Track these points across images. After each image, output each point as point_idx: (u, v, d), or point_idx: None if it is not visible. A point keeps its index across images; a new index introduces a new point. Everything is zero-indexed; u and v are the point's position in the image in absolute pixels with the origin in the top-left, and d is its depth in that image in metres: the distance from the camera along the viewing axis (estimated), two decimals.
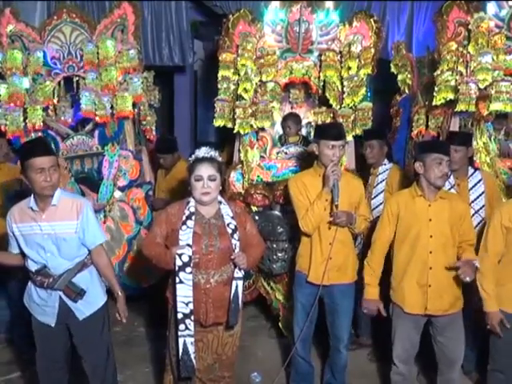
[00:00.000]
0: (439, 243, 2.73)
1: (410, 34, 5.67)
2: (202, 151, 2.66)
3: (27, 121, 3.85)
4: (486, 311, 2.76)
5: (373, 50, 3.64)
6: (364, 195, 3.08)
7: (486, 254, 2.75)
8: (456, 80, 3.43)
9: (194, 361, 2.59)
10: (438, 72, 3.50)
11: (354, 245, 3.11)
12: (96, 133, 4.03)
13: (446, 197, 2.78)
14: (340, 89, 3.70)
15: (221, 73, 3.72)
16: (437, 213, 2.74)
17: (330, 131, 2.91)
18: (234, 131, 3.68)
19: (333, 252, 2.93)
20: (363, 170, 3.85)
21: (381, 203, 3.56)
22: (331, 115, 3.74)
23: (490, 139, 3.50)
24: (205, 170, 2.58)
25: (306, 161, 3.65)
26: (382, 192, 3.65)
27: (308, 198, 2.95)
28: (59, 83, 4.08)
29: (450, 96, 3.45)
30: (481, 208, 3.21)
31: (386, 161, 3.76)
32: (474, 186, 3.26)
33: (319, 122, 3.75)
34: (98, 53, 3.89)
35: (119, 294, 2.72)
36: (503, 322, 2.72)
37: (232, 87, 3.73)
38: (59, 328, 2.64)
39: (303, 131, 4.30)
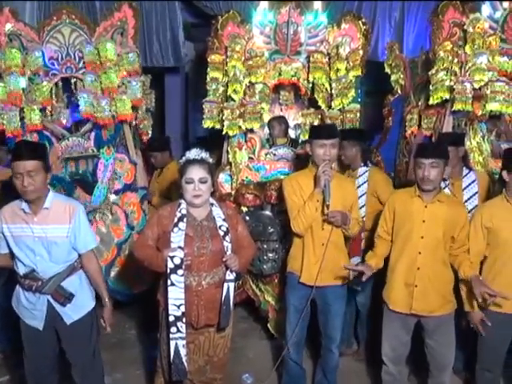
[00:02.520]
0: (429, 245, 2.73)
1: (401, 35, 5.66)
2: (193, 153, 2.64)
3: (25, 121, 3.81)
4: (466, 311, 2.81)
5: (361, 52, 3.67)
6: (357, 198, 3.07)
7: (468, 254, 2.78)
8: (451, 80, 3.43)
9: (185, 364, 2.58)
10: (433, 71, 3.50)
11: (345, 247, 3.10)
12: (92, 135, 4.00)
13: (444, 200, 2.75)
14: (329, 90, 3.71)
15: (210, 74, 3.73)
16: (432, 215, 2.73)
17: (321, 131, 2.95)
18: (223, 133, 3.68)
19: (325, 253, 2.91)
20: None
21: (363, 205, 3.50)
22: (319, 117, 3.75)
23: (484, 139, 3.50)
24: (195, 173, 2.57)
25: (294, 162, 3.67)
26: (363, 194, 3.53)
27: (302, 199, 2.94)
28: (56, 84, 4.04)
29: (447, 95, 3.45)
30: (474, 208, 3.19)
31: (362, 163, 3.64)
32: (467, 186, 3.25)
33: (307, 124, 3.75)
34: (97, 55, 3.86)
35: (107, 300, 2.72)
36: (485, 321, 2.75)
37: (221, 89, 3.73)
38: (47, 331, 2.62)
39: (292, 133, 4.29)
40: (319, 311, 3.06)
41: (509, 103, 3.32)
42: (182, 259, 2.50)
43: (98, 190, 3.93)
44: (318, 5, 3.85)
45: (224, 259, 2.57)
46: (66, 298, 2.55)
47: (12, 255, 2.57)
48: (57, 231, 2.52)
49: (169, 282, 2.51)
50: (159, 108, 6.48)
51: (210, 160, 2.69)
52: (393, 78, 4.15)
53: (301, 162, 3.57)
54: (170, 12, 5.59)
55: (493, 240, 2.77)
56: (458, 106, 3.39)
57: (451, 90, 3.41)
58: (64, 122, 4.14)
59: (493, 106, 3.34)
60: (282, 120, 4.13)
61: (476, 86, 3.34)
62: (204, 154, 2.65)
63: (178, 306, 2.52)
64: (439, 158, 2.66)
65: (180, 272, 2.50)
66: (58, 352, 2.73)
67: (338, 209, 2.86)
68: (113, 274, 3.89)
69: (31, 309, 2.58)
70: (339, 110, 3.68)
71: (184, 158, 2.65)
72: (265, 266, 3.52)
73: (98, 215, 3.89)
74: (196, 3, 5.65)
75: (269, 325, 3.83)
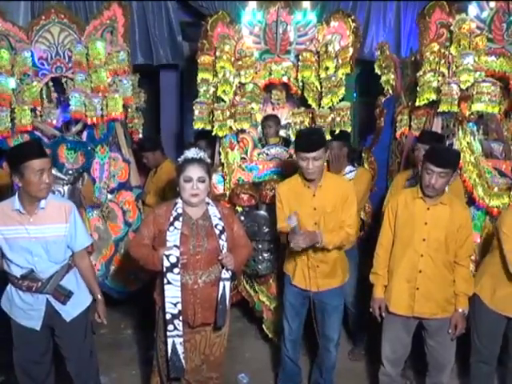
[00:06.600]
0: (431, 248, 2.70)
1: (398, 35, 5.69)
2: (192, 152, 2.65)
3: (16, 122, 3.79)
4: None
5: (351, 50, 3.63)
6: (351, 199, 2.91)
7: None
8: (438, 81, 3.45)
9: (183, 361, 2.60)
10: (421, 73, 3.52)
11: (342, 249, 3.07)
12: (85, 134, 3.97)
13: (447, 203, 2.71)
14: (319, 89, 3.70)
15: (200, 75, 3.73)
16: (434, 217, 2.70)
17: (303, 142, 2.79)
18: (213, 133, 3.68)
19: (318, 260, 2.92)
20: None
21: None
22: (310, 116, 3.72)
23: (474, 139, 3.50)
24: (194, 172, 2.57)
25: (287, 162, 3.66)
26: None
27: (289, 205, 2.93)
28: (46, 84, 4.03)
29: (433, 97, 3.46)
30: None
31: (349, 163, 3.70)
32: None
33: (298, 123, 3.71)
34: (87, 54, 3.86)
35: (99, 297, 2.76)
36: None
37: (211, 90, 3.73)
38: (43, 330, 2.63)
39: (282, 132, 4.30)
40: (316, 309, 3.06)
41: (494, 103, 3.34)
42: (177, 258, 2.51)
43: (98, 190, 3.92)
44: (306, 4, 3.84)
45: (220, 258, 2.58)
46: (66, 296, 2.58)
47: (2, 257, 2.55)
48: (55, 231, 2.53)
49: (165, 281, 2.52)
50: (155, 107, 6.47)
51: (208, 160, 2.71)
52: (383, 78, 4.18)
53: (294, 161, 3.58)
54: (165, 11, 5.62)
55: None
56: (444, 107, 3.40)
57: (438, 91, 3.43)
58: (54, 122, 4.13)
59: (478, 107, 3.36)
60: (276, 119, 4.13)
61: (463, 86, 3.36)
62: (202, 154, 2.66)
63: (175, 304, 2.53)
64: (449, 169, 2.62)
65: (176, 270, 2.51)
66: (52, 349, 2.74)
67: (327, 209, 2.85)
68: (110, 271, 3.90)
69: (28, 309, 2.58)
70: (329, 108, 3.65)
71: (182, 157, 2.65)
72: (260, 267, 3.52)
73: (95, 212, 3.89)
74: (191, 3, 5.65)
75: (263, 325, 3.83)
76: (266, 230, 3.50)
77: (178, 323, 2.54)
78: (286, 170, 3.54)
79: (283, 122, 4.27)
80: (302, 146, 2.77)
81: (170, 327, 2.55)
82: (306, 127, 3.63)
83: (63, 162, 3.76)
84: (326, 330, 3.05)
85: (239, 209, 3.60)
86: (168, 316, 2.54)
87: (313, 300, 3.03)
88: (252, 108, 3.74)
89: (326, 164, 3.61)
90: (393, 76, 4.11)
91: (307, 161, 2.76)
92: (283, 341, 3.18)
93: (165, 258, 2.51)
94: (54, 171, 3.45)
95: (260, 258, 3.50)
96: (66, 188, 3.70)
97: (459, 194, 3.29)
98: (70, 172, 3.74)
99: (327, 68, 3.63)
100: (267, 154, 3.82)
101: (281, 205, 2.97)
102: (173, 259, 2.51)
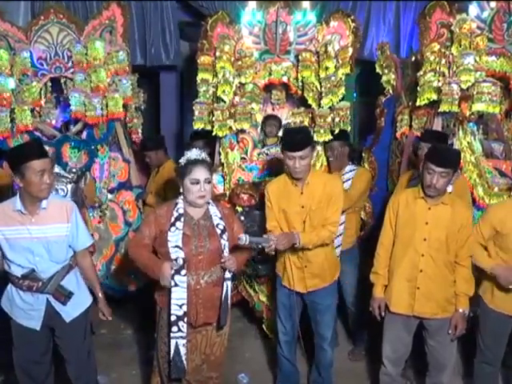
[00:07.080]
0: (432, 248, 2.70)
1: (398, 35, 5.69)
2: (194, 153, 2.62)
3: (16, 122, 3.78)
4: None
5: (351, 50, 3.61)
6: (337, 196, 2.91)
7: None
8: (439, 81, 3.45)
9: (184, 362, 2.59)
10: (421, 73, 3.52)
11: (331, 247, 3.08)
12: (84, 134, 3.97)
13: (449, 203, 2.71)
14: (318, 89, 3.69)
15: (200, 76, 3.71)
16: (435, 217, 2.70)
17: (289, 141, 2.80)
18: (213, 134, 3.67)
19: (305, 260, 2.93)
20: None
21: None
22: (310, 116, 3.71)
23: (474, 139, 3.52)
24: (201, 173, 2.56)
25: (274, 161, 3.67)
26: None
27: (278, 204, 2.94)
28: (45, 84, 4.03)
29: (434, 97, 3.46)
30: None
31: (349, 162, 3.72)
32: None
33: (298, 123, 3.71)
34: (86, 54, 3.85)
35: (100, 295, 2.77)
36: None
37: (211, 90, 3.73)
38: (43, 330, 2.63)
39: (282, 132, 4.30)
40: (309, 309, 3.08)
41: (495, 103, 3.34)
42: (184, 259, 2.50)
43: (98, 190, 3.92)
44: (306, 4, 3.83)
45: (222, 260, 2.58)
46: (67, 296, 2.58)
47: (2, 257, 2.55)
48: (56, 230, 2.54)
49: (172, 283, 2.50)
50: (155, 107, 6.46)
51: (210, 160, 2.70)
52: (384, 78, 4.18)
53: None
54: (165, 11, 5.62)
55: (502, 245, 2.79)
56: (444, 107, 3.39)
57: (439, 90, 3.43)
58: (53, 122, 4.13)
59: (479, 107, 3.36)
60: (278, 119, 4.13)
61: (463, 86, 3.35)
62: (204, 155, 2.64)
63: (180, 306, 2.52)
64: (450, 168, 2.61)
65: (183, 272, 2.51)
66: (52, 349, 2.74)
67: (313, 206, 2.85)
68: (111, 269, 3.90)
69: (28, 309, 2.58)
70: (329, 108, 3.62)
71: (185, 159, 2.61)
72: (260, 267, 3.51)
73: (95, 213, 3.90)
74: (191, 3, 5.64)
75: (263, 325, 3.84)
76: None
77: (183, 325, 2.54)
78: (277, 168, 3.52)
79: (283, 122, 4.28)
80: (289, 145, 2.79)
81: (174, 329, 2.53)
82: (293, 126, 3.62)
83: (67, 161, 3.78)
84: (319, 328, 3.07)
85: (239, 209, 3.59)
86: (173, 318, 2.53)
87: (305, 300, 3.05)
88: (252, 108, 3.74)
89: (323, 163, 3.65)
90: (393, 76, 4.12)
91: (294, 160, 2.77)
92: (278, 341, 3.19)
93: (171, 262, 2.50)
94: (57, 169, 3.50)
95: (260, 257, 3.49)
96: (69, 186, 3.70)
97: (464, 192, 3.29)
98: (74, 170, 3.76)
99: (327, 68, 3.61)
100: (267, 154, 3.82)
101: (270, 204, 2.98)
102: (180, 262, 2.50)
